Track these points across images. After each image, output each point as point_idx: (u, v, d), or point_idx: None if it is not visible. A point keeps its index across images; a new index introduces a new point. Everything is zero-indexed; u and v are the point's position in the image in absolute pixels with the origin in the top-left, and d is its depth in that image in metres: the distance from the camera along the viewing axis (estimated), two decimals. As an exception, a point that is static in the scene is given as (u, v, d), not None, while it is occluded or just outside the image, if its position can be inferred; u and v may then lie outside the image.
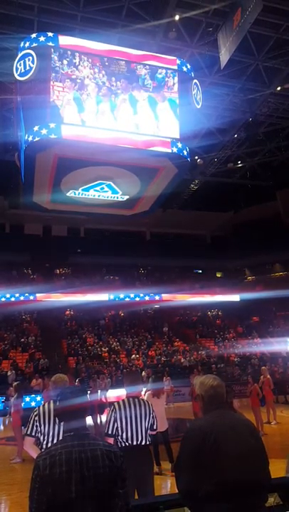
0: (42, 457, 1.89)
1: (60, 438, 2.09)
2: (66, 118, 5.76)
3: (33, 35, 5.98)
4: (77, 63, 5.89)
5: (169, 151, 6.33)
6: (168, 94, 6.44)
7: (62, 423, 2.11)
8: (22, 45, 5.93)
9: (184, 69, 6.77)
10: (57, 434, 3.42)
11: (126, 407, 3.87)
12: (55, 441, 3.36)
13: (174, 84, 6.51)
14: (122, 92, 6.14)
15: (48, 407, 3.56)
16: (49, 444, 3.37)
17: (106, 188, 7.44)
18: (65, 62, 5.81)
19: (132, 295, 26.08)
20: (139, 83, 6.26)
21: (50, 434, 3.47)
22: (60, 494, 1.78)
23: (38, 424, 3.52)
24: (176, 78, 6.52)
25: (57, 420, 3.38)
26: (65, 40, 5.99)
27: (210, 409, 2.10)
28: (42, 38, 5.83)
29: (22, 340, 23.58)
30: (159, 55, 6.81)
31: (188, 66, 6.93)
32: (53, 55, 5.78)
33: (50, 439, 3.46)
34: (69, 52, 5.87)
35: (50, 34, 5.92)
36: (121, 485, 1.91)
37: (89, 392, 13.30)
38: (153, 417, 3.97)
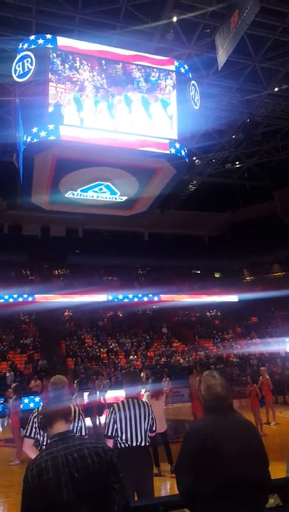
0: (29, 468, 1.86)
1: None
2: (66, 118, 5.82)
3: (32, 37, 6.01)
4: (78, 67, 5.98)
5: (167, 152, 6.36)
6: (160, 95, 6.51)
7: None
8: (20, 46, 5.96)
9: (182, 70, 6.80)
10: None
11: (125, 408, 3.87)
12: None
13: (166, 86, 6.59)
14: (118, 93, 6.21)
15: (48, 408, 3.55)
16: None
17: (104, 189, 7.46)
18: (66, 65, 5.91)
19: (130, 296, 26.03)
20: (134, 85, 6.34)
21: (50, 435, 3.47)
22: (52, 501, 1.75)
23: (37, 425, 3.52)
24: (168, 80, 6.60)
25: None
26: (63, 41, 6.04)
27: (212, 410, 2.08)
28: (40, 41, 5.87)
29: (20, 341, 23.56)
30: (151, 56, 6.86)
31: (186, 67, 6.95)
32: (55, 60, 5.85)
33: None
34: (70, 57, 5.95)
35: (48, 36, 5.95)
36: (115, 479, 1.86)
37: (88, 393, 13.30)
38: (152, 418, 3.97)
